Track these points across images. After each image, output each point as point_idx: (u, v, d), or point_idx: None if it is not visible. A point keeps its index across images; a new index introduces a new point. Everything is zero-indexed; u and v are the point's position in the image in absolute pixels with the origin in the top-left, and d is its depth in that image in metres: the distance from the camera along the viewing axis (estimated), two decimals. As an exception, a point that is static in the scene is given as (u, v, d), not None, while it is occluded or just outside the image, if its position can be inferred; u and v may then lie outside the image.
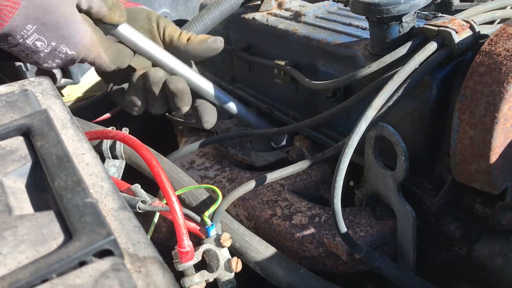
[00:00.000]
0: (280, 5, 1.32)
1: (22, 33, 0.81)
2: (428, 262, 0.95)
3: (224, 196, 0.89)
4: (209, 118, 1.15)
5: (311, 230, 0.95)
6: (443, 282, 0.92)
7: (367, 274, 0.97)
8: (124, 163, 1.02)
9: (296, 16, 1.21)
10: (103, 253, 0.40)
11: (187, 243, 0.76)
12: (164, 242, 1.15)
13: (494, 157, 0.75)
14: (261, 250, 0.87)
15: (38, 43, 0.83)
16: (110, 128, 1.05)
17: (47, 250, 0.41)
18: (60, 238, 0.42)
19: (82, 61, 0.94)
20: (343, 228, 0.82)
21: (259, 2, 1.32)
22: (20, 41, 0.82)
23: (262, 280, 0.89)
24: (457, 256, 0.91)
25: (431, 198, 0.89)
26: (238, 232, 0.89)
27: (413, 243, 0.89)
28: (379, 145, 0.88)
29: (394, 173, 0.85)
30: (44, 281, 0.38)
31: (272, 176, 0.93)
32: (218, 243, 0.82)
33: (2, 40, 0.82)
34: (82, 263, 0.39)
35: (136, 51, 1.05)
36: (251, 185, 0.92)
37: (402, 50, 0.87)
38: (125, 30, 1.02)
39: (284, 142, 1.28)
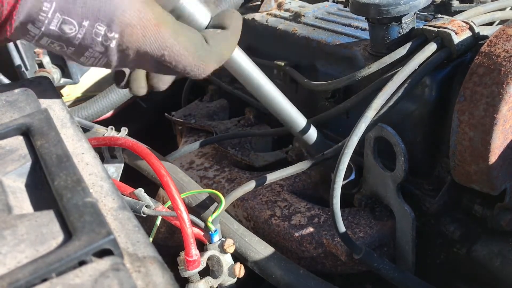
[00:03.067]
0: (279, 6, 1.32)
1: (40, 16, 0.58)
2: (427, 262, 0.95)
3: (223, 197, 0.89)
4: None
5: (310, 231, 0.95)
6: (442, 283, 0.92)
7: (366, 274, 0.97)
8: (123, 163, 1.02)
9: (296, 17, 1.21)
10: (102, 253, 0.40)
11: (194, 252, 0.76)
12: (164, 242, 1.15)
13: (493, 158, 0.75)
14: (260, 250, 0.86)
15: (66, 27, 0.59)
16: (109, 128, 1.05)
17: (47, 250, 0.41)
18: (60, 237, 0.42)
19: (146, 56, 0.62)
20: (342, 229, 0.82)
21: (258, 3, 1.32)
22: (43, 29, 0.59)
23: (261, 280, 0.89)
24: (456, 256, 0.91)
25: (431, 199, 0.89)
26: (237, 232, 0.89)
27: (412, 243, 0.89)
28: (378, 146, 0.88)
29: (393, 174, 0.85)
30: (44, 280, 0.38)
31: (272, 177, 0.93)
32: (222, 249, 0.82)
33: (23, 33, 0.60)
34: (81, 263, 0.39)
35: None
36: (250, 185, 0.92)
37: (402, 51, 0.87)
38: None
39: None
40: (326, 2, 1.30)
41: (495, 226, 0.85)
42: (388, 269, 0.86)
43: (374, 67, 0.88)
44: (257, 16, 1.28)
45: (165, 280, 0.41)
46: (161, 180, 0.75)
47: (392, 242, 0.94)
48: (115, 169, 1.00)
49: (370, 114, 0.80)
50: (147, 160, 0.77)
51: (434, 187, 0.90)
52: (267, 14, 1.29)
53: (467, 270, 0.90)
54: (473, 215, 0.88)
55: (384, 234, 0.93)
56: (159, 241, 1.15)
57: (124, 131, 1.05)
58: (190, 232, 0.74)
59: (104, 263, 0.39)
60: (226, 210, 0.91)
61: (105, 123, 1.20)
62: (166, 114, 1.46)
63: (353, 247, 0.85)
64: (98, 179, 0.53)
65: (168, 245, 1.12)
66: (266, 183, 0.93)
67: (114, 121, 1.22)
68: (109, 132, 1.04)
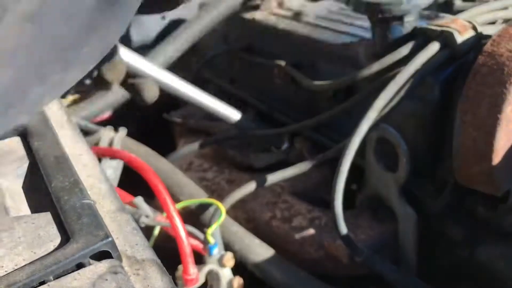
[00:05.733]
0: (280, 5, 1.31)
1: None
2: (430, 265, 0.95)
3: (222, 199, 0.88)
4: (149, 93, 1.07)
5: (311, 233, 0.94)
6: (445, 285, 0.91)
7: (368, 277, 0.96)
8: (122, 164, 1.01)
9: (297, 16, 1.20)
10: (100, 255, 0.40)
11: (192, 271, 0.76)
12: (163, 243, 1.14)
13: (496, 159, 0.75)
14: (261, 252, 0.86)
15: None
16: (108, 128, 1.04)
17: (44, 252, 0.40)
18: (57, 239, 0.42)
19: None
20: (344, 231, 0.82)
21: (259, 2, 1.32)
22: None
23: (261, 282, 0.88)
24: (459, 259, 0.90)
25: (433, 201, 0.89)
26: (237, 234, 0.88)
27: (415, 245, 0.88)
28: (380, 146, 0.88)
29: (395, 175, 0.85)
30: (41, 283, 0.37)
31: (272, 178, 0.93)
32: (221, 263, 0.81)
33: None
34: (79, 265, 0.39)
35: None
36: (250, 186, 0.92)
37: (404, 50, 0.87)
38: None
39: (286, 144, 1.19)
40: (327, 1, 1.29)
41: (499, 228, 0.84)
42: (390, 271, 0.85)
43: (376, 66, 0.88)
44: (258, 15, 1.28)
45: (164, 283, 0.41)
46: (159, 198, 0.75)
47: (395, 244, 0.93)
48: (114, 170, 0.99)
49: (372, 115, 0.80)
50: (145, 176, 0.77)
51: (436, 189, 0.90)
52: (267, 13, 1.28)
53: (470, 272, 0.89)
54: (476, 217, 0.87)
55: (386, 236, 0.92)
56: (158, 242, 1.14)
57: (123, 131, 1.04)
58: (189, 251, 0.75)
59: (102, 266, 0.39)
60: (226, 212, 0.91)
61: (105, 123, 1.19)
62: (164, 114, 1.45)
63: (354, 250, 0.85)
64: (96, 181, 0.52)
65: (168, 246, 1.11)
66: (266, 184, 0.93)
67: (114, 121, 1.21)
68: (107, 132, 1.04)
